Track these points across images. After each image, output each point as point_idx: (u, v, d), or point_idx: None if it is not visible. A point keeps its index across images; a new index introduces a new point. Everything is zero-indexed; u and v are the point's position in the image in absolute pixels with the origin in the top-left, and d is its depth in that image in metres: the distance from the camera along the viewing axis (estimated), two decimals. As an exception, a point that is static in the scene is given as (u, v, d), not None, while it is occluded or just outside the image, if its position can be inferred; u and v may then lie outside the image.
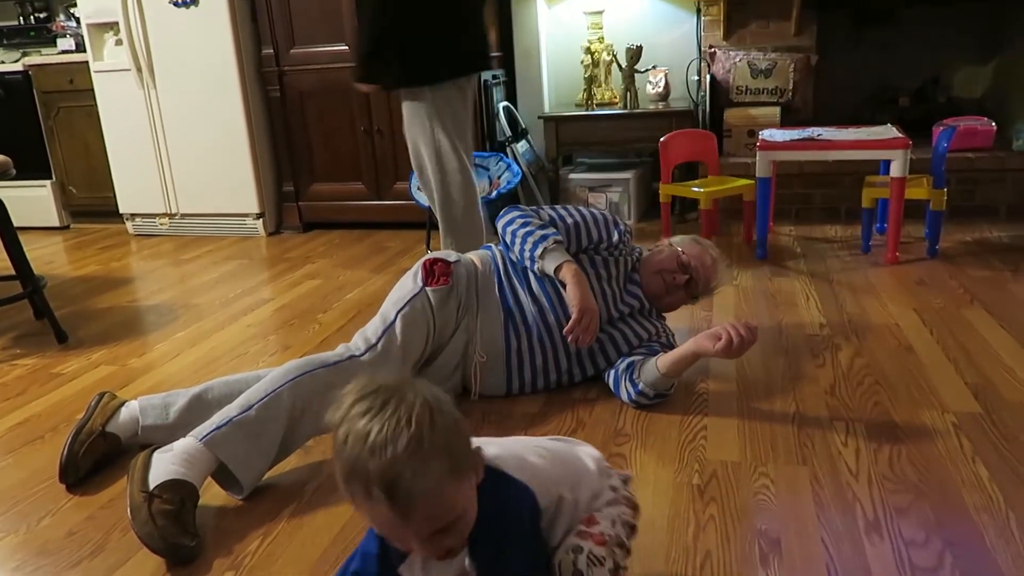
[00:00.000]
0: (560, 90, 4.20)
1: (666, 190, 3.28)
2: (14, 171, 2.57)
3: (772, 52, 3.72)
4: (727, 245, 3.29)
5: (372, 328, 1.78)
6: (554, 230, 1.91)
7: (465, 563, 0.96)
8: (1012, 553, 1.27)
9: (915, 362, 2.03)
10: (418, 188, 3.41)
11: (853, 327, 2.29)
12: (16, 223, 2.58)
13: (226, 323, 2.68)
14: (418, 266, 1.88)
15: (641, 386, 1.82)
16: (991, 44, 3.84)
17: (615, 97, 3.93)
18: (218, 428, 1.52)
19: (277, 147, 3.96)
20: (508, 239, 1.93)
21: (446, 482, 0.85)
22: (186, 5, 3.70)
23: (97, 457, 1.68)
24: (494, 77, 3.84)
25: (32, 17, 4.63)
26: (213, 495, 1.57)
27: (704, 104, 3.77)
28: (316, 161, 3.91)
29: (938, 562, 1.26)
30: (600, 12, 3.85)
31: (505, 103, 3.87)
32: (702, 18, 3.83)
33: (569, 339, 1.83)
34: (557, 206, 2.03)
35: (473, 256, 1.98)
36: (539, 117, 3.89)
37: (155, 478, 1.43)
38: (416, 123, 2.61)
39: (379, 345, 1.73)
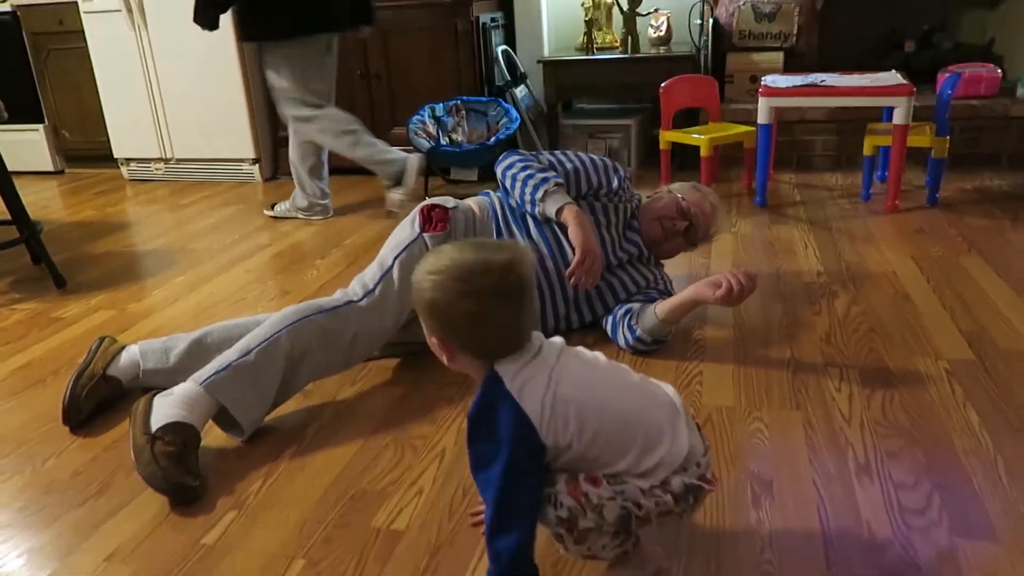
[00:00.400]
0: (560, 34, 4.12)
1: (666, 137, 3.25)
2: (6, 115, 2.53)
3: (777, -5, 3.64)
4: (727, 192, 3.27)
5: (370, 274, 1.78)
6: (555, 173, 1.89)
7: None
8: (999, 496, 1.30)
9: (911, 310, 2.04)
10: (415, 133, 3.38)
11: (851, 275, 2.30)
12: (9, 168, 2.55)
13: (224, 268, 2.68)
14: (416, 212, 1.87)
15: (639, 332, 1.83)
16: (1000, -12, 3.76)
17: (616, 41, 3.86)
18: (217, 372, 1.53)
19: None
20: (508, 183, 1.92)
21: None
22: (176, -57, 3.59)
23: (99, 400, 1.70)
24: (492, 20, 3.76)
25: (18, -45, 4.50)
26: (215, 438, 1.59)
27: (706, 49, 3.70)
28: (312, 106, 3.85)
29: (926, 504, 1.29)
30: (602, -48, 3.76)
31: (504, 47, 3.80)
32: (706, -41, 3.74)
33: (571, 281, 1.83)
34: (556, 152, 2.01)
35: (471, 202, 1.97)
36: (538, 61, 3.82)
37: (157, 421, 1.45)
38: (268, 73, 3.02)
39: (376, 291, 1.74)
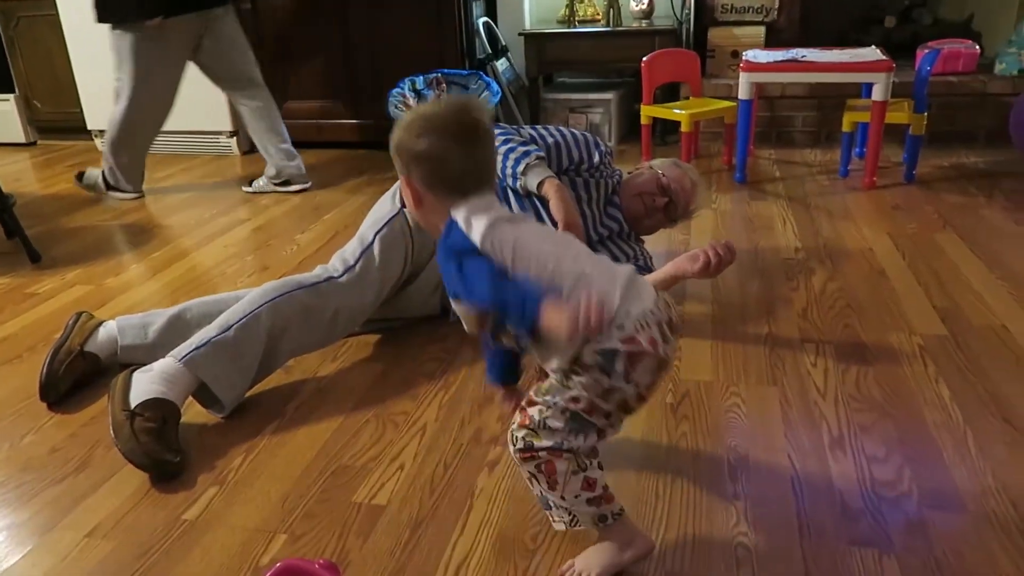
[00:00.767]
0: (541, 6, 4.07)
1: (647, 111, 3.24)
2: (-25, 84, 2.47)
3: (759, -31, 3.63)
4: (707, 168, 3.28)
5: (350, 249, 1.78)
6: (536, 147, 1.88)
7: None
8: (967, 468, 1.33)
9: (886, 286, 2.07)
10: (395, 107, 3.35)
11: (828, 251, 2.32)
12: (-20, 139, 2.50)
13: (202, 243, 2.65)
14: (396, 187, 1.86)
15: None
16: (981, -36, 3.77)
17: (598, 14, 3.83)
18: (197, 349, 1.53)
19: (250, 62, 3.83)
20: (503, 158, 1.90)
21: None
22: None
23: (77, 376, 1.69)
24: (474, -9, 3.72)
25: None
26: (195, 414, 1.59)
27: (688, 23, 3.69)
28: (291, 78, 3.80)
29: (897, 476, 1.32)
30: (584, -77, 3.71)
31: (484, 19, 3.76)
32: (689, -69, 3.71)
33: None
34: (537, 126, 2.00)
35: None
36: (520, 34, 3.78)
37: (136, 397, 1.45)
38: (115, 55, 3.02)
39: (357, 267, 1.73)
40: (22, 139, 4.31)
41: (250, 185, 3.26)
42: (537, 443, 1.06)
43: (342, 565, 1.17)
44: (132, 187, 3.22)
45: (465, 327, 1.07)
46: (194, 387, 1.52)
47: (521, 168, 1.82)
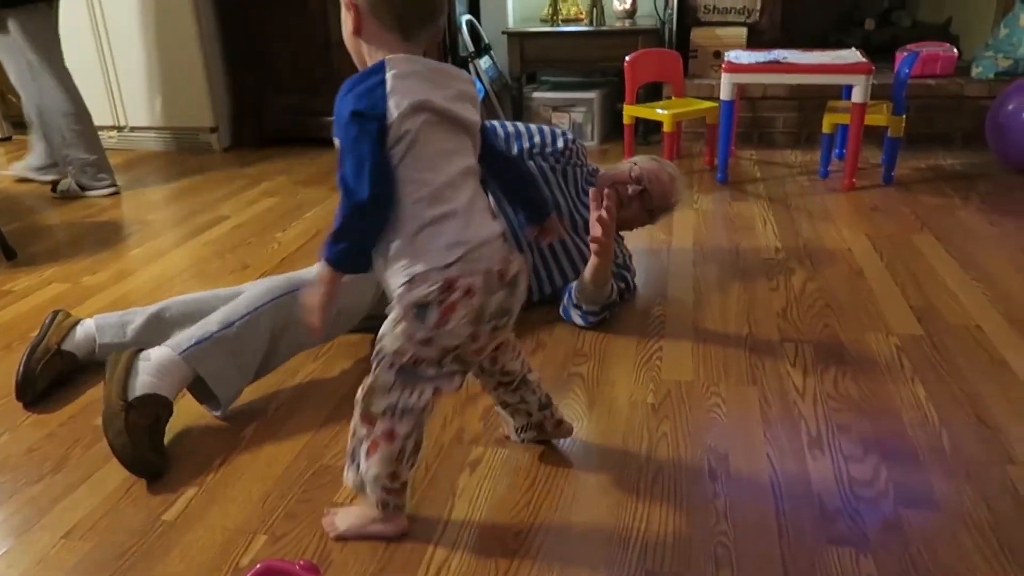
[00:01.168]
0: (525, 4, 4.08)
1: (630, 111, 3.25)
2: (-51, 78, 2.44)
3: (741, -30, 3.65)
4: (689, 168, 3.30)
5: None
6: None
7: None
8: (942, 467, 1.35)
9: (864, 286, 2.09)
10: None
11: (807, 252, 2.35)
12: (-45, 134, 2.46)
13: (181, 241, 2.63)
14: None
15: (584, 306, 1.85)
16: (958, -32, 3.82)
17: (581, 13, 3.84)
18: (199, 343, 1.50)
19: (231, 58, 3.80)
20: None
21: None
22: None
23: (54, 375, 1.67)
24: (457, -12, 3.71)
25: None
26: (178, 412, 1.57)
27: (671, 23, 3.70)
28: (273, 74, 3.77)
29: (873, 475, 1.34)
30: (568, -78, 3.72)
31: (468, 16, 3.76)
32: (672, -68, 3.72)
33: None
34: (505, 122, 2.03)
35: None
36: (503, 32, 3.78)
37: (136, 388, 1.42)
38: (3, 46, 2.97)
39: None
40: (-2, 134, 4.25)
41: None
42: (374, 408, 1.12)
43: (323, 565, 1.17)
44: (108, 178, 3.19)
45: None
46: (189, 381, 1.50)
47: None
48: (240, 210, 2.94)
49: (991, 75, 3.42)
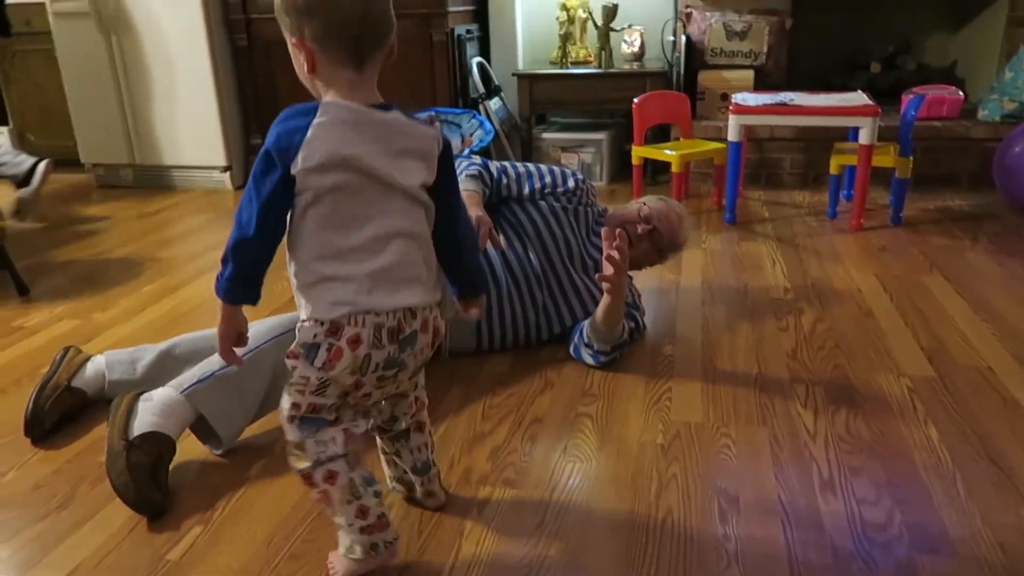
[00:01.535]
0: (534, 47, 4.15)
1: (638, 152, 3.28)
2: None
3: (748, 14, 3.71)
4: (697, 208, 3.31)
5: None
6: (478, 162, 1.96)
7: None
8: (956, 511, 1.33)
9: (874, 327, 2.08)
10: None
11: (816, 292, 2.34)
12: (-27, 171, 2.50)
13: (193, 278, 2.65)
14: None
15: (595, 346, 1.85)
16: (961, 13, 3.87)
17: (590, 56, 3.90)
18: (200, 381, 1.50)
19: (244, 98, 3.87)
20: None
21: None
22: (150, -53, 3.57)
23: (63, 411, 1.67)
24: (468, 32, 3.78)
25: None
26: (183, 450, 1.56)
27: (679, 65, 3.76)
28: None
29: (887, 519, 1.32)
30: (576, -32, 3.80)
31: (479, 59, 3.82)
32: (679, -23, 3.80)
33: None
34: (516, 163, 2.05)
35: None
36: (513, 74, 3.84)
37: (137, 427, 1.42)
38: None
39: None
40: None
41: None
42: (301, 465, 1.13)
43: (328, 607, 1.16)
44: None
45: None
46: (192, 420, 1.50)
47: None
48: (251, 248, 2.95)
49: (997, 118, 3.44)
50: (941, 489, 1.39)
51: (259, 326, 1.65)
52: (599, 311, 1.81)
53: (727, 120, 2.99)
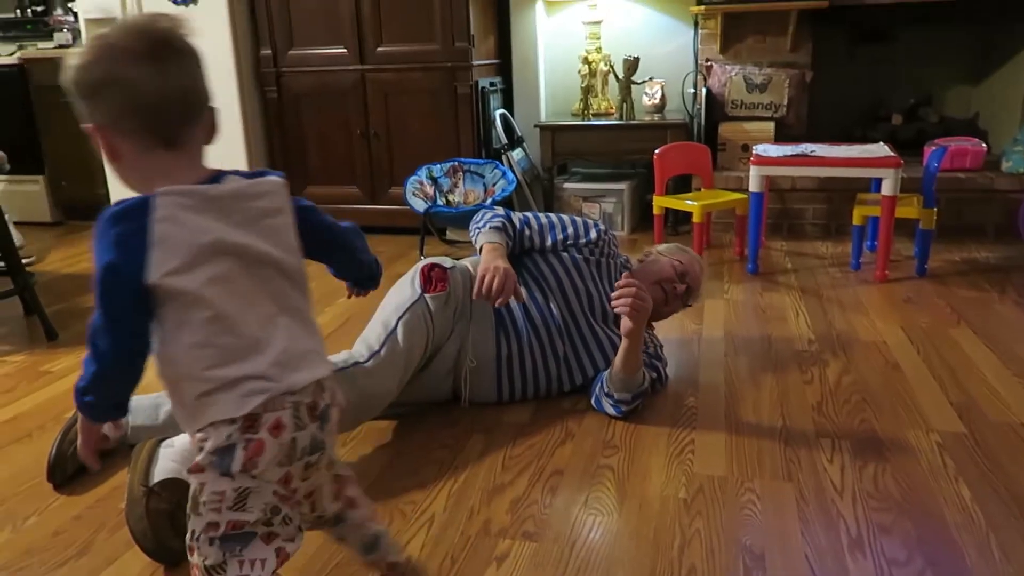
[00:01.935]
0: (557, 99, 4.22)
1: (660, 202, 3.30)
2: (8, 166, 2.56)
3: (768, 67, 3.75)
4: (719, 258, 3.31)
5: (374, 335, 1.79)
6: (501, 213, 1.97)
7: None
8: (992, 573, 1.29)
9: (901, 380, 2.05)
10: (412, 193, 3.43)
11: (841, 343, 2.32)
12: (8, 218, 2.57)
13: (217, 324, 2.67)
14: (416, 272, 1.89)
15: (616, 395, 1.83)
16: (982, 65, 3.89)
17: (611, 107, 3.96)
18: None
19: (273, 148, 3.96)
20: (471, 234, 1.98)
21: None
22: (185, 3, 3.70)
23: (86, 457, 1.68)
24: (491, 84, 3.86)
25: (29, 10, 4.62)
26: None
27: (699, 117, 3.79)
28: (311, 163, 3.92)
29: (919, 581, 1.28)
30: (598, 22, 3.88)
31: (502, 110, 3.89)
32: (699, 31, 3.86)
33: (474, 295, 1.78)
34: (539, 213, 2.06)
35: (467, 262, 1.99)
36: (535, 125, 3.90)
37: (157, 474, 1.42)
38: None
39: (382, 352, 1.74)
40: (48, 219, 4.42)
41: None
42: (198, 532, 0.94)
43: (344, 663, 1.13)
44: None
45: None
46: None
47: (475, 235, 1.93)
48: (275, 294, 2.98)
49: (1021, 169, 3.42)
50: (975, 550, 1.35)
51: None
52: (618, 357, 1.80)
53: (748, 170, 3.01)
